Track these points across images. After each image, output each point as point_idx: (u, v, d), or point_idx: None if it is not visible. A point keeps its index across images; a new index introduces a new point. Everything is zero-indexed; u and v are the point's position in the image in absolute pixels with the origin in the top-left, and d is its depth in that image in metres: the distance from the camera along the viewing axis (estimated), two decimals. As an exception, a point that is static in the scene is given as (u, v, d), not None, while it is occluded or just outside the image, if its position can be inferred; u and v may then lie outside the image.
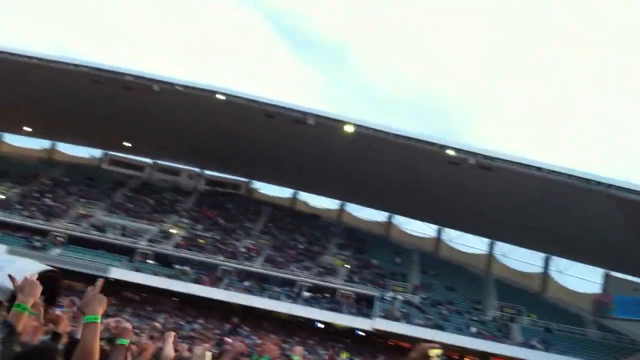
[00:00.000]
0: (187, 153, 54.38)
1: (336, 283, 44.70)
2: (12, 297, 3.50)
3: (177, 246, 46.30)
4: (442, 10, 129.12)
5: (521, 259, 51.11)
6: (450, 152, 39.37)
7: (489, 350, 40.54)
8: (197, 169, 58.62)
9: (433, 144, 39.92)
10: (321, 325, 43.95)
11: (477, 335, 41.45)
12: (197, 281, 43.09)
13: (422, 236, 54.60)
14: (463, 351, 41.69)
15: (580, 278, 48.57)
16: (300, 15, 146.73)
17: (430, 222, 53.89)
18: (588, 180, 36.62)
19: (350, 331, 43.64)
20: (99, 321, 2.98)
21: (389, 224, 55.72)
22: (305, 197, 58.42)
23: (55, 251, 42.84)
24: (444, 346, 27.41)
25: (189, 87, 41.21)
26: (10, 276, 3.55)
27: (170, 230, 48.49)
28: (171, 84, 41.28)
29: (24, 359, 3.23)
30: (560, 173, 37.24)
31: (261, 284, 44.06)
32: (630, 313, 42.43)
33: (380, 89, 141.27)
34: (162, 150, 55.38)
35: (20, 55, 41.50)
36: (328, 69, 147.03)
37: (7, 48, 41.99)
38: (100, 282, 3.22)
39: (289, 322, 43.20)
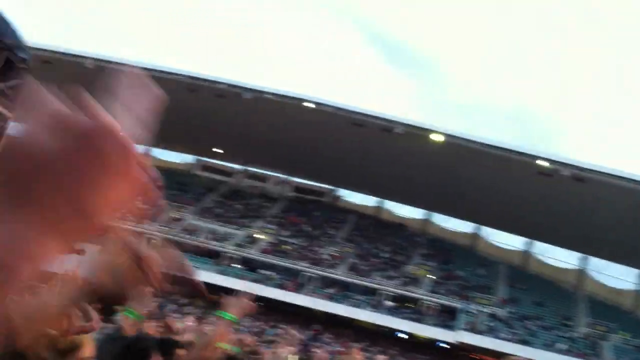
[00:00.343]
0: (275, 160, 55.29)
1: (420, 293, 44.27)
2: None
3: (263, 251, 47.11)
4: (524, 21, 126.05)
5: (615, 275, 49.19)
6: (542, 163, 38.40)
7: (578, 368, 39.12)
8: (284, 176, 59.49)
9: (524, 154, 39.07)
10: (403, 336, 43.59)
11: (566, 352, 40.00)
12: (281, 286, 43.67)
13: (510, 249, 53.32)
14: (551, 369, 40.41)
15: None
16: (392, 24, 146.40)
17: (519, 235, 52.57)
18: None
19: (433, 343, 43.07)
20: (232, 320, 3.31)
21: (475, 235, 54.74)
22: (391, 206, 58.22)
23: (148, 252, 44.34)
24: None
25: (279, 95, 42.04)
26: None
27: (257, 236, 49.40)
28: (261, 92, 42.24)
29: (119, 344, 3.45)
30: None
31: (344, 292, 44.18)
32: None
33: (470, 99, 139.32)
34: (251, 156, 56.55)
35: (120, 64, 43.49)
36: (419, 78, 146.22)
37: (110, 57, 44.13)
38: (249, 295, 3.50)
39: (370, 331, 43.08)
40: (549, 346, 40.32)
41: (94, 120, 0.53)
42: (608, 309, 45.76)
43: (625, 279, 48.64)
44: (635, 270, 48.02)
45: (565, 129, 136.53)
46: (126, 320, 3.42)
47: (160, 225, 48.21)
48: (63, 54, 44.08)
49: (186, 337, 5.14)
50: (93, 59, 43.84)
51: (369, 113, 41.70)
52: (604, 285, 49.22)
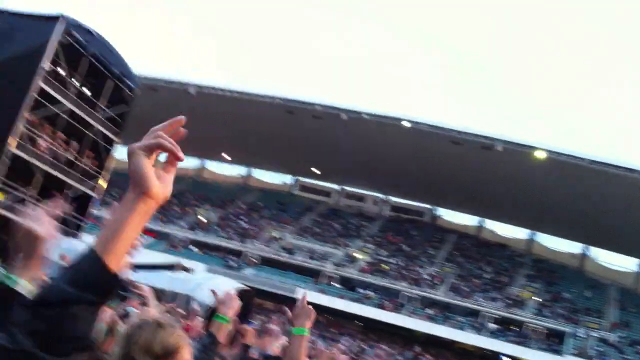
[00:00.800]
0: (372, 179, 55.31)
1: (524, 316, 42.77)
2: (211, 313, 3.82)
3: (362, 271, 47.02)
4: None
5: None
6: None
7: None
8: (382, 195, 59.36)
9: (634, 170, 37.21)
10: (507, 360, 42.19)
11: (684, 381, 37.53)
12: (380, 306, 43.39)
13: (621, 270, 50.65)
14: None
15: None
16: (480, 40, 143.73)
17: (631, 256, 49.92)
18: None
19: (539, 368, 41.45)
20: (306, 334, 3.28)
21: (583, 256, 52.40)
22: (492, 225, 56.76)
23: (249, 271, 45.34)
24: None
25: (375, 116, 42.16)
26: (213, 291, 3.89)
27: (355, 255, 49.40)
28: (358, 113, 42.56)
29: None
30: None
31: (444, 313, 43.35)
32: None
33: (568, 116, 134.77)
34: (348, 176, 56.83)
35: (222, 90, 45.23)
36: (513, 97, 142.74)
37: (213, 83, 46.09)
38: (304, 296, 3.50)
39: (472, 353, 41.99)
40: (665, 374, 37.95)
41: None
42: None
43: None
44: None
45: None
46: (219, 327, 3.44)
47: (261, 244, 49.19)
48: (167, 81, 46.08)
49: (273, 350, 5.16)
50: (196, 85, 45.63)
51: (468, 131, 41.10)
52: None
